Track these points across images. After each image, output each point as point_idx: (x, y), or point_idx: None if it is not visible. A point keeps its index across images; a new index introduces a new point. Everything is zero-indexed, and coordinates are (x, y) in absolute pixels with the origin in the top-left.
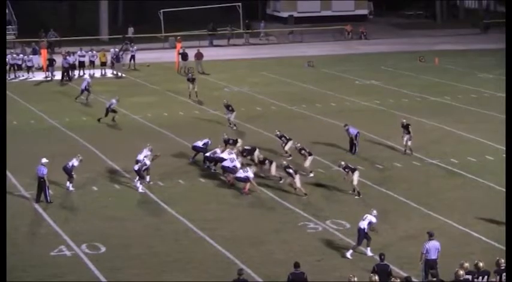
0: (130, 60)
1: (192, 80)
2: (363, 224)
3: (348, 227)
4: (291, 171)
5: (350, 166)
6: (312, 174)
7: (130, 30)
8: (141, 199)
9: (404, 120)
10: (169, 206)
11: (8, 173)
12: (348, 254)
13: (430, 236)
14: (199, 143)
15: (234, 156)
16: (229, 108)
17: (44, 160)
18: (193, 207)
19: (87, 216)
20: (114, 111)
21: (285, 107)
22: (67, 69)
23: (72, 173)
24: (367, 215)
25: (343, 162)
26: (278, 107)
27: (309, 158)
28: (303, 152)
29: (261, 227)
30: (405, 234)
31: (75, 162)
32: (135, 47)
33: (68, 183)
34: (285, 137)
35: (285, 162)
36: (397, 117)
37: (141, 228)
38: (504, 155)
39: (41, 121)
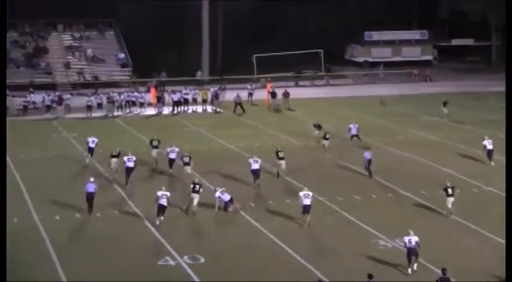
0: (248, 97)
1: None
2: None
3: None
4: (197, 188)
5: None
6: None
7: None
8: (231, 217)
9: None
10: (258, 222)
11: (124, 195)
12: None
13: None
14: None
15: None
16: (319, 127)
17: (92, 179)
18: (278, 224)
19: (188, 231)
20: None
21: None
22: (176, 103)
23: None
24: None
25: None
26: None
27: None
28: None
29: (338, 242)
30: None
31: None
32: (253, 86)
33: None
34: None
35: (196, 180)
36: (455, 148)
37: (232, 242)
38: None
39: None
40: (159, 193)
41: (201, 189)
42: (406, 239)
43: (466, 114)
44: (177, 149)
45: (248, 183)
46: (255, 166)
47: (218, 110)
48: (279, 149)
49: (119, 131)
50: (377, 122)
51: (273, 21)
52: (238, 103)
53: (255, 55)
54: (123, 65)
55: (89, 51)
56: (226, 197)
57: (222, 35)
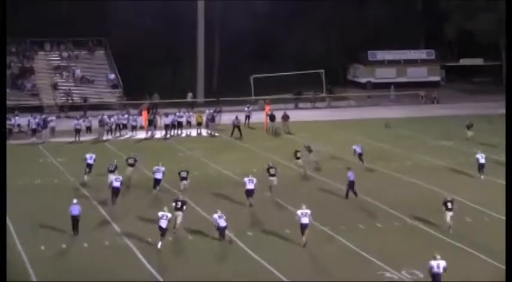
0: (245, 120)
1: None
2: None
3: (421, 277)
4: (179, 205)
5: None
6: None
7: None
8: (227, 247)
9: None
10: (255, 252)
11: (109, 218)
12: None
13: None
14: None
15: None
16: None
17: (75, 201)
18: (278, 254)
19: (181, 260)
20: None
21: (360, 164)
22: (168, 127)
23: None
24: None
25: None
26: (355, 164)
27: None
28: None
29: (342, 273)
30: None
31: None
32: (250, 108)
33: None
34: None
35: (181, 196)
36: (464, 174)
37: (229, 273)
38: None
39: (140, 173)
40: (160, 213)
41: (184, 207)
42: (434, 263)
43: (477, 138)
44: (162, 169)
45: (244, 208)
46: (250, 186)
47: (214, 133)
48: (271, 165)
49: (109, 155)
50: (382, 146)
51: (272, 40)
52: (236, 126)
53: (252, 76)
54: (114, 86)
55: (78, 72)
56: (222, 223)
57: (218, 55)
